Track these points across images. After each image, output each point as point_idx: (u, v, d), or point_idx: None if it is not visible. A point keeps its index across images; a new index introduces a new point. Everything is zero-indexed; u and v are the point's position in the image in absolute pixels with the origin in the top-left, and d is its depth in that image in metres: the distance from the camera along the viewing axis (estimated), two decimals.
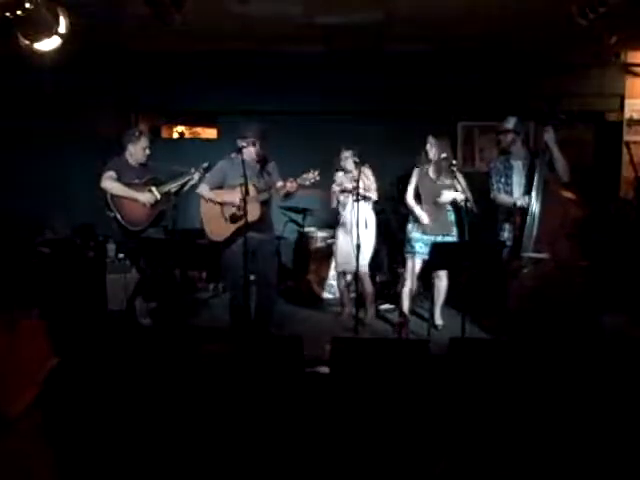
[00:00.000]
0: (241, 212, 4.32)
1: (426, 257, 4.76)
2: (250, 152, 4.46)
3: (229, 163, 4.61)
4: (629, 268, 4.86)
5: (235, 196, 4.41)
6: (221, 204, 4.58)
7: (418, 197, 4.91)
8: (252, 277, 4.95)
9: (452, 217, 4.91)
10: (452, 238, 4.85)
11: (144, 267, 4.92)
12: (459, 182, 4.67)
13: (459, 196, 4.67)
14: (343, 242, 5.13)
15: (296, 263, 6.34)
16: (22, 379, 2.33)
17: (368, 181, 4.97)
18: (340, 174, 5.09)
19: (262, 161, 4.62)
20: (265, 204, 4.54)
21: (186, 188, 4.93)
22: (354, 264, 4.73)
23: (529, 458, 2.59)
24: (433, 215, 4.82)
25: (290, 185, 4.39)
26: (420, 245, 4.86)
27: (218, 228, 4.57)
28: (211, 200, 4.58)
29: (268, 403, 2.92)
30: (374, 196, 5.01)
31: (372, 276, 5.86)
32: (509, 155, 4.75)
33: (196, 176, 4.82)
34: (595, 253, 4.62)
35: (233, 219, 4.52)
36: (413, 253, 4.92)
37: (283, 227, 6.15)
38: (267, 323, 4.73)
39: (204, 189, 4.62)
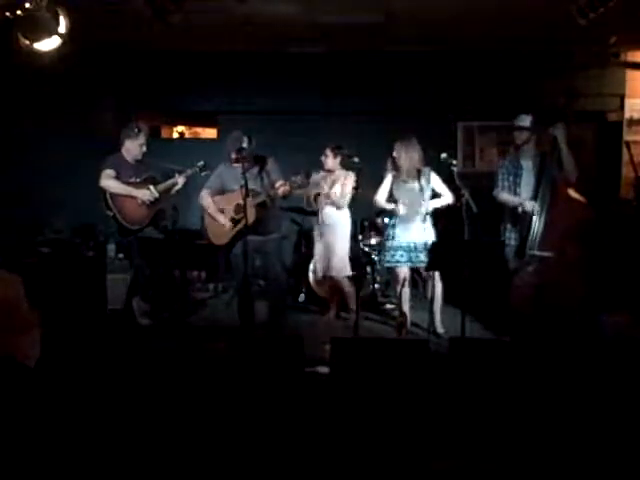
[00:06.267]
0: (239, 216, 4.42)
1: (411, 264, 4.73)
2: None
3: (226, 168, 4.67)
4: (630, 268, 4.85)
5: (232, 202, 4.50)
6: (221, 211, 4.65)
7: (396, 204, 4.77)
8: (261, 282, 5.14)
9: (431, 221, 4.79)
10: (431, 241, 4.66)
11: (140, 265, 4.90)
12: (436, 183, 4.69)
13: (443, 202, 4.67)
14: (319, 246, 5.12)
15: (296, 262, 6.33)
16: (26, 326, 2.33)
17: (344, 187, 4.94)
18: (316, 175, 5.03)
19: (259, 162, 4.62)
20: (263, 206, 4.53)
21: (176, 188, 4.90)
22: (332, 268, 4.88)
23: (530, 457, 2.59)
24: (415, 220, 4.69)
25: (283, 189, 4.45)
26: (401, 254, 4.74)
27: (219, 233, 4.64)
28: (209, 213, 4.69)
29: (268, 403, 2.92)
30: (341, 203, 4.97)
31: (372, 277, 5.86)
32: (519, 154, 4.65)
33: (181, 180, 4.85)
34: (597, 253, 4.61)
35: (232, 223, 4.57)
36: (395, 262, 4.77)
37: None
38: (279, 322, 4.78)
39: (204, 195, 4.70)
